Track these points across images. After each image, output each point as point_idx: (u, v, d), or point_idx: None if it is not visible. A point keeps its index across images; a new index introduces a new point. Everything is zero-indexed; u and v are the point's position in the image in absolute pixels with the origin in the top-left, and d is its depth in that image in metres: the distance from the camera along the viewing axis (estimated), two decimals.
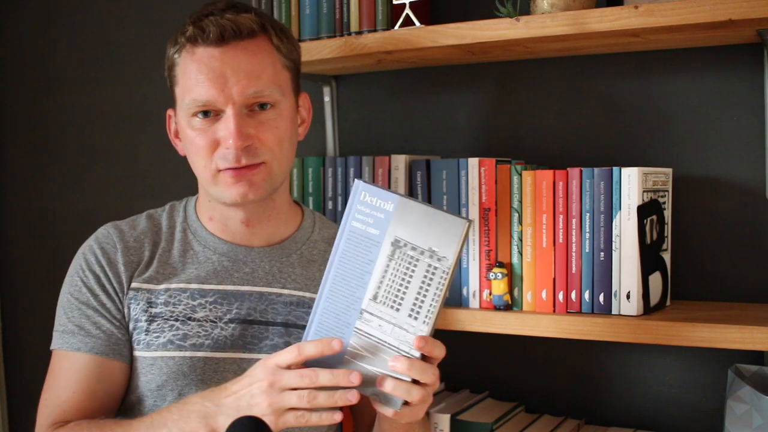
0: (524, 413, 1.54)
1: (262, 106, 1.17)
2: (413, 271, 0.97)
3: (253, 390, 0.99)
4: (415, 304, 0.97)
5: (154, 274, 1.21)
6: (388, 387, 0.97)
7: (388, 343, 0.98)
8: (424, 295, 0.97)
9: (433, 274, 0.96)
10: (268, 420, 0.98)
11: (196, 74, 1.15)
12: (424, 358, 0.98)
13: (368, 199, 1.00)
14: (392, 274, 0.98)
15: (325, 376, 0.97)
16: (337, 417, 0.98)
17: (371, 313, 0.99)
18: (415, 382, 0.97)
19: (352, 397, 0.97)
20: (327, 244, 1.31)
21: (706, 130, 1.41)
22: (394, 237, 0.98)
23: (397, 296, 0.98)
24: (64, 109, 2.16)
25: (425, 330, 0.96)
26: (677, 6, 1.18)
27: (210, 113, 1.16)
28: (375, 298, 0.99)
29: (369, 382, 0.98)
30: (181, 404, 1.06)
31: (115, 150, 2.09)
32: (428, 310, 0.96)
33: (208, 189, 1.21)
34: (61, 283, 1.23)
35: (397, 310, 0.97)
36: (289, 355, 0.99)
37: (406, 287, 0.97)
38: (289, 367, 0.99)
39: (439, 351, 0.98)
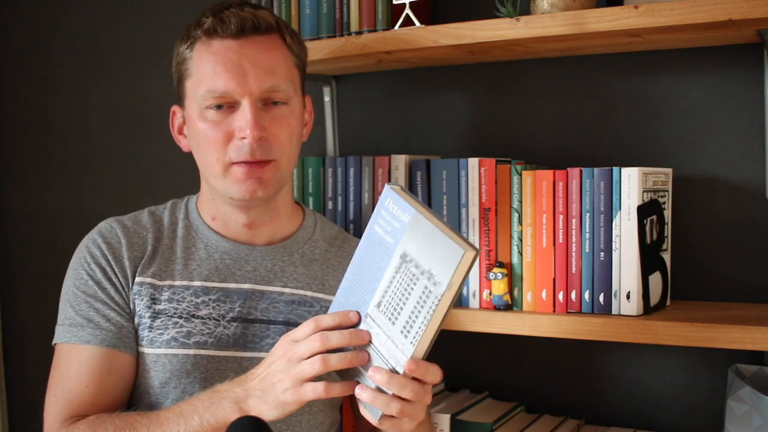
0: (524, 413, 1.54)
1: (275, 102, 1.18)
2: (412, 288, 0.94)
3: (274, 368, 1.01)
4: (407, 322, 0.94)
5: (157, 270, 1.20)
6: (365, 397, 0.96)
7: (381, 353, 0.97)
8: (416, 316, 0.93)
9: (427, 297, 0.92)
10: (289, 393, 0.99)
11: (213, 65, 1.16)
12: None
13: (391, 207, 0.98)
14: (395, 286, 0.96)
15: (335, 336, 0.98)
16: (357, 387, 0.97)
17: (373, 320, 0.98)
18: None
19: (363, 357, 0.97)
20: (328, 244, 1.32)
21: (706, 130, 1.41)
22: (403, 250, 0.96)
23: (395, 309, 0.96)
24: (64, 109, 2.16)
25: (410, 350, 0.93)
26: (677, 6, 1.18)
27: (224, 105, 1.17)
28: (378, 306, 0.98)
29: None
30: (210, 392, 1.06)
31: (115, 150, 2.09)
32: (417, 332, 0.93)
33: (215, 184, 1.21)
34: (61, 282, 1.23)
35: (393, 323, 0.96)
36: (306, 328, 1.00)
37: (404, 303, 0.95)
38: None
39: (432, 376, 0.96)
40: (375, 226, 1.00)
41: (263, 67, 1.16)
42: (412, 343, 0.93)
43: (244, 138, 1.15)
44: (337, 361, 0.98)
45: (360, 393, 0.97)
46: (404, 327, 0.94)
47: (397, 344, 0.95)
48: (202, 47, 1.17)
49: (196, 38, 1.18)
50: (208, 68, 1.16)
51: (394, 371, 0.95)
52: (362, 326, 0.99)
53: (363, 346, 0.99)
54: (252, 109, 1.15)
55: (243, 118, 1.15)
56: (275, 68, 1.17)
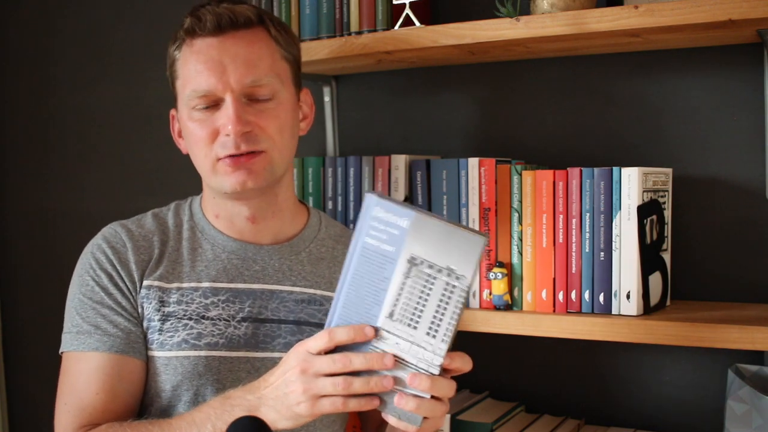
0: (524, 413, 1.54)
1: (260, 95, 1.17)
2: (431, 289, 0.94)
3: (288, 377, 0.99)
4: (433, 323, 0.94)
5: (165, 273, 1.20)
6: (410, 406, 0.94)
7: (406, 361, 0.95)
8: (443, 314, 0.93)
9: (452, 292, 0.93)
10: (304, 406, 0.97)
11: (195, 65, 1.16)
12: (443, 371, 0.96)
13: (382, 215, 0.96)
14: (409, 292, 0.95)
15: (358, 360, 0.95)
16: (375, 402, 0.96)
17: (388, 331, 0.96)
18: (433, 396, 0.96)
19: (387, 384, 0.95)
20: (335, 242, 1.31)
21: (706, 130, 1.41)
22: (410, 254, 0.94)
23: (414, 314, 0.94)
24: (64, 109, 2.16)
25: (443, 348, 0.94)
26: (677, 6, 1.18)
27: (210, 104, 1.17)
28: (391, 316, 0.95)
29: (388, 400, 0.96)
30: (222, 399, 1.05)
31: (115, 150, 2.09)
32: (447, 329, 0.93)
33: (208, 181, 1.21)
34: (61, 283, 1.22)
35: (415, 328, 0.94)
36: (320, 341, 0.97)
37: (423, 305, 0.94)
38: (320, 354, 0.97)
39: (467, 365, 0.97)
40: (366, 239, 0.96)
41: (244, 61, 1.16)
42: (443, 340, 0.93)
43: (228, 135, 1.15)
44: (359, 387, 0.95)
45: (402, 403, 0.94)
46: (430, 328, 0.94)
47: (426, 347, 0.94)
48: (186, 48, 1.18)
49: (181, 40, 1.19)
50: (191, 68, 1.17)
51: (429, 374, 0.94)
52: (375, 341, 0.96)
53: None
54: (234, 104, 1.15)
55: (226, 114, 1.15)
56: (257, 62, 1.17)
